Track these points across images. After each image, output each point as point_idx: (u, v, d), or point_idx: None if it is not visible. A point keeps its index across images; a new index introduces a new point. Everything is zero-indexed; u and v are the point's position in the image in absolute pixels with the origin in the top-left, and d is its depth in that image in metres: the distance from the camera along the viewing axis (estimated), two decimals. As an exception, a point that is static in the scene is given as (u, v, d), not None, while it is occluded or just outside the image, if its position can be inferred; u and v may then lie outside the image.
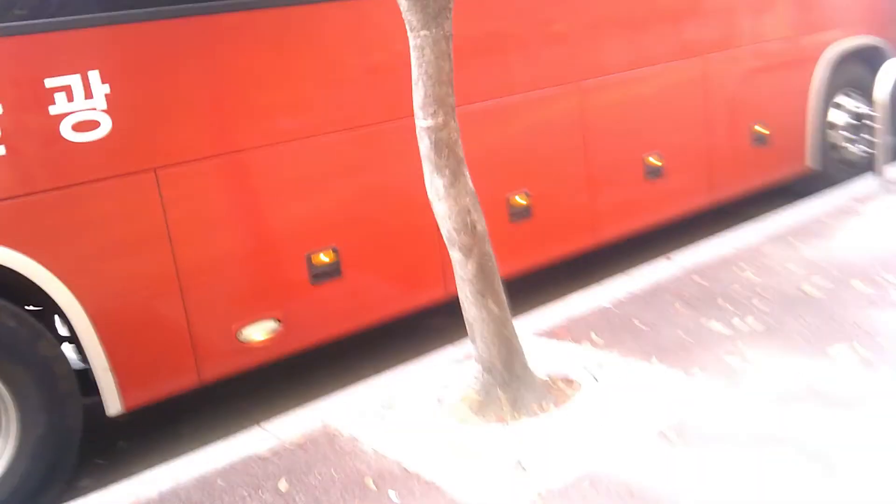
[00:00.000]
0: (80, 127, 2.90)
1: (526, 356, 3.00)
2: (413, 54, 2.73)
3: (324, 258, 3.52)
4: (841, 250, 4.14)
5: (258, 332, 3.37)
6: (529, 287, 4.25)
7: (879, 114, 5.04)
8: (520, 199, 4.17)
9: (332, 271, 3.55)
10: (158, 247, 3.10)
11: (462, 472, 2.56)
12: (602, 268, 4.62)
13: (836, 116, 5.65)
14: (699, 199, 5.00)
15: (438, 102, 2.73)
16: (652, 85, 4.69)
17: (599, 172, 4.48)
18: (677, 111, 4.81)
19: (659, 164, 4.70)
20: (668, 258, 4.41)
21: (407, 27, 2.72)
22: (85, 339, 2.94)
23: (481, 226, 2.86)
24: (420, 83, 2.73)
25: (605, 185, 4.53)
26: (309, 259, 3.48)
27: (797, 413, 2.65)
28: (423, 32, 2.68)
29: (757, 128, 5.18)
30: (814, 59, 5.40)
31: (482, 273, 2.86)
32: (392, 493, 2.51)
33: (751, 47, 5.09)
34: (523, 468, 2.54)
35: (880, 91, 5.01)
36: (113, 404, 3.02)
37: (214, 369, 3.28)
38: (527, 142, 4.20)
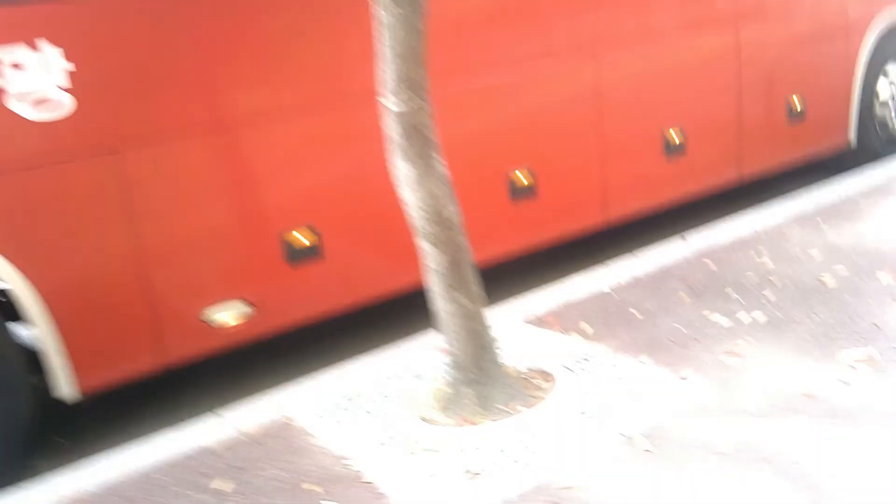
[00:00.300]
0: (37, 105, 2.73)
1: (500, 350, 2.77)
2: (384, 32, 2.47)
3: (300, 238, 3.32)
4: (871, 236, 3.78)
5: (226, 313, 3.20)
6: (538, 265, 4.00)
7: None
8: (522, 177, 3.90)
9: (310, 251, 3.36)
10: (119, 226, 2.93)
11: (411, 478, 2.36)
12: (626, 243, 4.32)
13: (883, 89, 5.20)
14: (728, 175, 4.65)
15: (411, 86, 2.48)
16: (678, 55, 4.33)
17: (614, 147, 4.17)
18: (707, 83, 4.45)
19: (679, 141, 4.36)
20: (683, 238, 4.10)
21: (377, 2, 2.46)
22: (36, 321, 2.81)
23: (456, 216, 2.62)
24: (392, 64, 2.48)
25: (621, 161, 4.21)
26: (283, 238, 3.29)
27: (790, 425, 2.37)
28: (396, 10, 2.42)
29: (795, 99, 4.76)
30: (861, 29, 4.94)
31: (455, 266, 2.63)
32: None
33: (789, 14, 4.65)
34: (474, 475, 2.33)
35: None
36: (67, 389, 2.90)
37: (179, 351, 3.14)
38: (534, 115, 3.92)
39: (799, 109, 4.79)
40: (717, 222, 4.26)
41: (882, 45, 5.05)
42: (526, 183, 3.89)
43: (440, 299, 2.67)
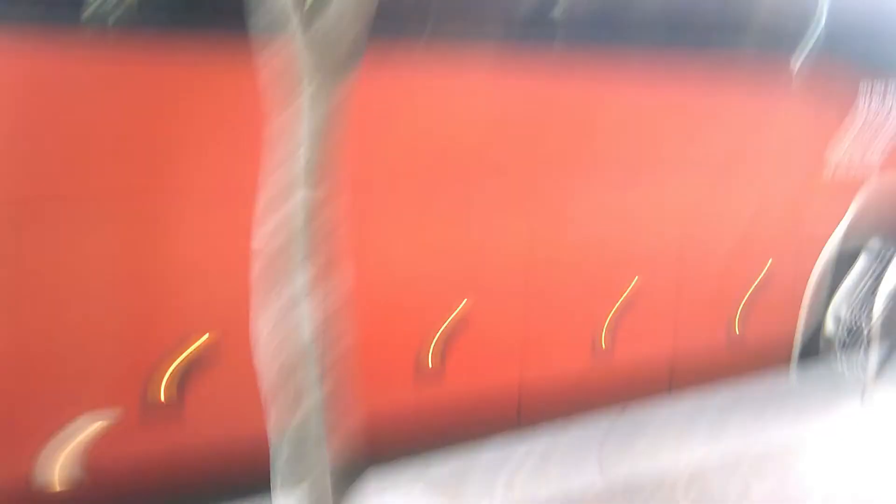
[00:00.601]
0: None
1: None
2: (302, 108, 2.14)
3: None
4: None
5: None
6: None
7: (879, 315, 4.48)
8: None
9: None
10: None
11: None
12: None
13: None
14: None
15: (323, 172, 2.16)
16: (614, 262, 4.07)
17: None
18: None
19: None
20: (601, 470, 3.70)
21: (296, 74, 2.15)
22: None
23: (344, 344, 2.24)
24: (303, 145, 2.14)
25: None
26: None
27: None
28: (318, 81, 2.12)
29: (738, 318, 4.56)
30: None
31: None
32: None
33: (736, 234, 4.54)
34: None
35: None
36: None
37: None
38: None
39: (740, 327, 4.61)
40: (641, 451, 3.92)
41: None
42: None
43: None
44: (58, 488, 2.67)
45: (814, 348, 4.99)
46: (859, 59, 4.80)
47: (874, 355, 4.68)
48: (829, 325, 5.04)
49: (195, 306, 2.90)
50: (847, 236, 4.88)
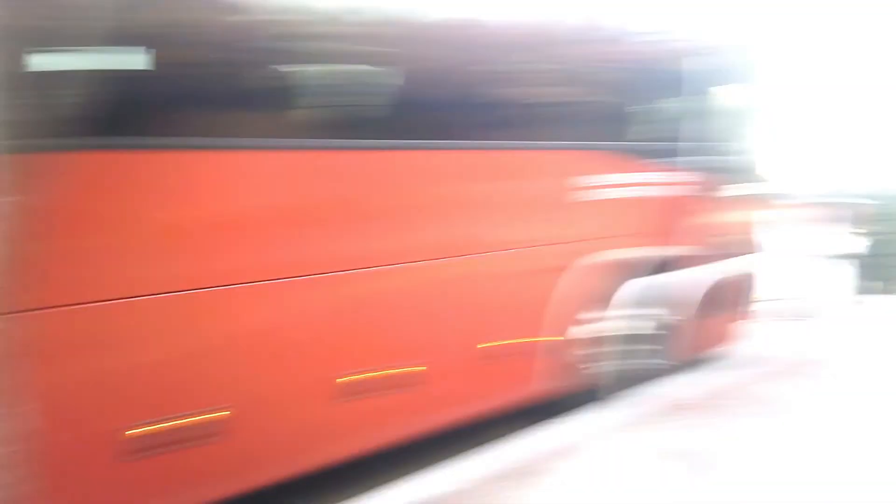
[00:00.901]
0: None
1: None
2: None
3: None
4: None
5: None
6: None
7: (616, 335, 4.57)
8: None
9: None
10: None
11: None
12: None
13: (594, 329, 5.11)
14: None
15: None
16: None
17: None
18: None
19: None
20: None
21: None
22: None
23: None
24: None
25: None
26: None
27: None
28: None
29: (492, 342, 4.48)
30: (559, 270, 4.82)
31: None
32: None
33: (492, 254, 4.44)
34: None
35: (619, 310, 4.54)
36: None
37: None
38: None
39: (499, 350, 4.51)
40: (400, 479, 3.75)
41: (600, 283, 5.02)
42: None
43: None
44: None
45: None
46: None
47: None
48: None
49: None
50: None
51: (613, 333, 4.92)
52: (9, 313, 2.06)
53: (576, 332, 4.97)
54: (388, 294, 3.89)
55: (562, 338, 4.85)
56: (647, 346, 5.43)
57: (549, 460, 3.98)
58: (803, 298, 7.71)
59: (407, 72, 3.90)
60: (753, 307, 6.50)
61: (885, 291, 8.73)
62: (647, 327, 5.37)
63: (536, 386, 4.76)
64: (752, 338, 6.43)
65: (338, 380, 3.65)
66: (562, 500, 3.55)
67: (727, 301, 5.99)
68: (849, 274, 8.14)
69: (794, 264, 6.70)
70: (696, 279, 5.53)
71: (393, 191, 3.89)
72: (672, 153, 5.42)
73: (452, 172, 4.21)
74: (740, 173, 6.05)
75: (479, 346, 4.38)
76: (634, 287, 4.81)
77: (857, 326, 7.39)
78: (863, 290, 8.26)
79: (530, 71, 4.57)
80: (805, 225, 8.21)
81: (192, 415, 3.15)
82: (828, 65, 13.52)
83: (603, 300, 5.07)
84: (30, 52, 2.62)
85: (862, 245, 8.16)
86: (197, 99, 3.17)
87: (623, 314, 4.82)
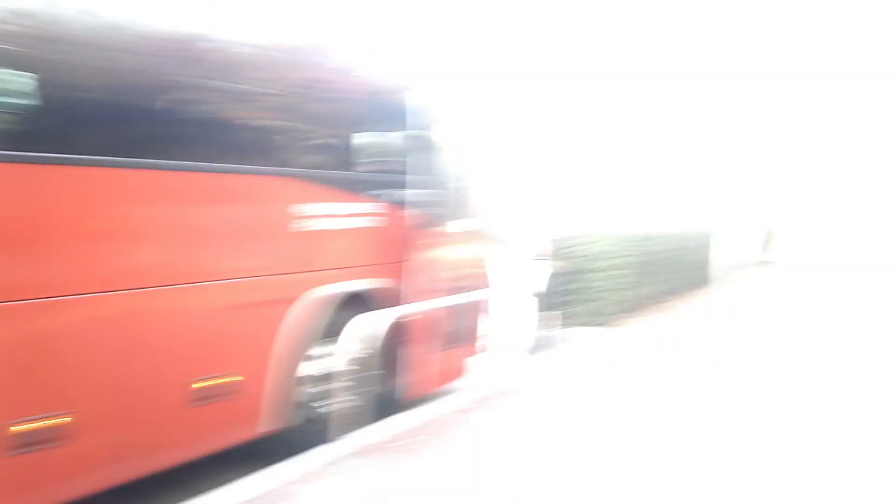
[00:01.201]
0: None
1: None
2: None
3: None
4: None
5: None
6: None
7: (345, 372, 4.41)
8: None
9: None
10: None
11: None
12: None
13: (312, 369, 4.90)
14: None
15: None
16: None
17: None
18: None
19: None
20: None
21: None
22: None
23: None
24: None
25: None
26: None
27: None
28: None
29: (201, 383, 4.08)
30: (286, 303, 4.62)
31: None
32: None
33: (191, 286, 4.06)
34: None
35: (347, 346, 4.40)
36: None
37: None
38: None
39: (209, 391, 4.12)
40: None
41: (317, 320, 4.80)
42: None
43: None
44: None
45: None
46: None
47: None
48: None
49: None
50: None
51: (340, 369, 4.69)
52: None
53: (302, 368, 4.72)
54: (68, 328, 3.43)
55: (286, 374, 4.57)
56: (370, 383, 5.34)
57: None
58: (510, 332, 8.10)
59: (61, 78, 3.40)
60: (480, 341, 6.72)
61: (564, 325, 9.40)
62: (371, 364, 5.27)
63: (257, 426, 4.44)
64: (475, 371, 6.62)
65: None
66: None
67: (453, 335, 6.09)
68: (539, 308, 8.70)
69: (505, 299, 6.97)
70: (421, 313, 5.52)
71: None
72: (391, 185, 5.42)
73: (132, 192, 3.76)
74: (458, 209, 6.23)
75: (193, 386, 4.00)
76: (360, 322, 4.65)
77: (556, 359, 7.90)
78: (549, 325, 8.86)
79: (223, 90, 4.25)
80: (513, 261, 8.66)
81: None
82: (535, 113, 14.73)
83: (328, 335, 4.88)
84: None
85: (549, 280, 8.76)
86: None
87: (348, 349, 4.63)
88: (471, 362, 6.57)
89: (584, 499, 4.04)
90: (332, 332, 4.91)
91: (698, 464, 4.55)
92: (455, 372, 6.34)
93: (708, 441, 5.01)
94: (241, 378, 4.29)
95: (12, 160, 3.17)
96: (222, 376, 4.16)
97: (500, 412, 5.68)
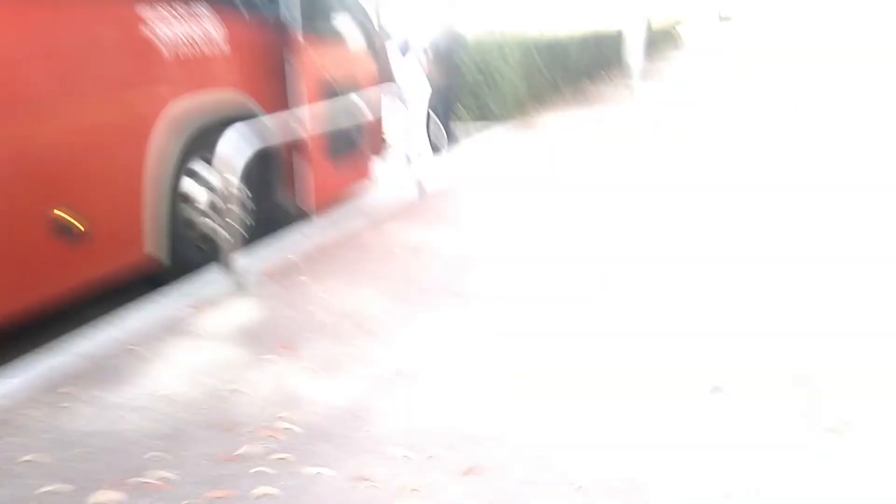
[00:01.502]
0: None
1: None
2: None
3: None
4: (121, 418, 2.80)
5: None
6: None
7: (226, 188, 4.01)
8: None
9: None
10: None
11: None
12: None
13: (192, 188, 4.47)
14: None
15: None
16: None
17: None
18: None
19: None
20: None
21: None
22: None
23: None
24: None
25: None
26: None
27: None
28: None
29: (59, 213, 3.61)
30: (150, 118, 4.08)
31: None
32: None
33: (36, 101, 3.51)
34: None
35: (225, 160, 3.97)
36: None
37: None
38: None
39: (67, 224, 3.66)
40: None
41: (183, 136, 4.31)
42: None
43: None
44: None
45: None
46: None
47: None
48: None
49: None
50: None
51: (226, 184, 4.21)
52: None
53: (183, 185, 4.34)
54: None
55: (165, 192, 4.17)
56: (264, 196, 4.99)
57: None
58: (412, 139, 7.74)
59: None
60: (381, 144, 6.44)
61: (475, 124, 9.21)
62: (260, 176, 4.90)
63: (141, 248, 4.07)
64: (379, 174, 6.37)
65: None
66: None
67: (348, 139, 5.71)
68: (435, 108, 8.41)
69: (403, 106, 6.58)
70: (307, 117, 5.07)
71: None
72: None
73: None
74: (341, 13, 5.67)
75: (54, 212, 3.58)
76: (238, 131, 4.15)
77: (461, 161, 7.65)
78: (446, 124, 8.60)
79: None
80: (409, 68, 8.17)
81: None
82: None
83: (209, 151, 4.40)
84: None
85: (444, 82, 8.40)
86: None
87: (231, 161, 4.13)
88: (374, 165, 6.30)
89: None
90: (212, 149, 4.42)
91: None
92: (359, 173, 6.06)
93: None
94: (113, 201, 3.87)
95: None
96: (80, 208, 3.69)
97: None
